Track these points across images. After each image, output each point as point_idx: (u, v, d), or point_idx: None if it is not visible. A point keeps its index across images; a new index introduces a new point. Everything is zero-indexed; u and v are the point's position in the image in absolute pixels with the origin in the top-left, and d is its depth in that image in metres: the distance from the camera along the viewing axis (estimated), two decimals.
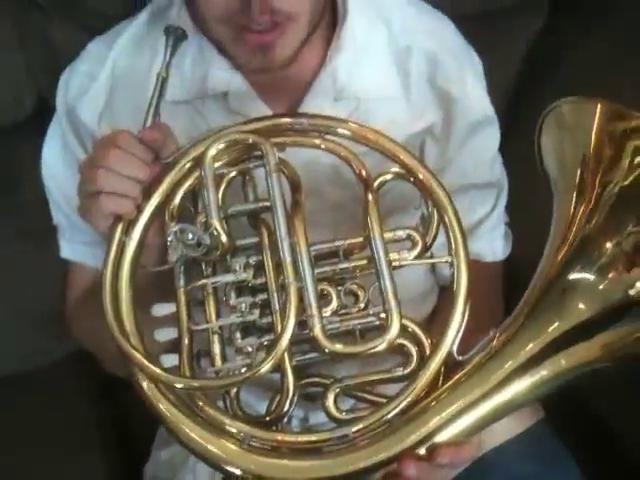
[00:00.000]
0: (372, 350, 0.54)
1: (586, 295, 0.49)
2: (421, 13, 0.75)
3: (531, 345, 0.50)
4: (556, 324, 0.50)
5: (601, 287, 0.49)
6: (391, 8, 0.73)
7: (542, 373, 0.50)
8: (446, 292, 0.80)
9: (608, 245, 0.50)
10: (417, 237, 0.60)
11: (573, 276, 0.50)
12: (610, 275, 0.49)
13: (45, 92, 0.84)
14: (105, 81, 0.73)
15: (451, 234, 0.58)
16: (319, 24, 0.68)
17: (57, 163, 0.78)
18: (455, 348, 0.54)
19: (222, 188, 0.60)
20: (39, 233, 0.83)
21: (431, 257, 0.60)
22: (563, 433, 0.73)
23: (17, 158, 0.86)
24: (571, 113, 0.56)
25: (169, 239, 0.58)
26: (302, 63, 0.69)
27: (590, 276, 0.50)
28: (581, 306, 0.49)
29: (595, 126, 0.54)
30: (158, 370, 0.54)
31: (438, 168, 0.74)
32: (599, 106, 0.54)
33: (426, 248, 0.60)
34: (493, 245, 0.81)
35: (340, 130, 0.61)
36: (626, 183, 0.51)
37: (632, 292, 0.48)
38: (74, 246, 0.80)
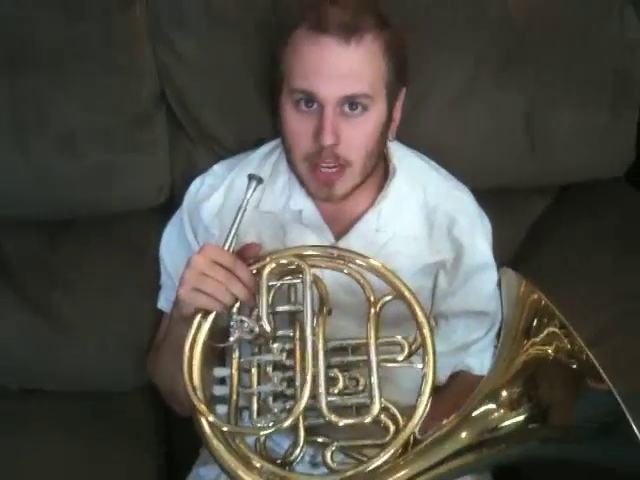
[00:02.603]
0: (359, 422, 0.78)
1: (472, 427, 0.75)
2: (448, 184, 1.02)
3: (447, 446, 0.76)
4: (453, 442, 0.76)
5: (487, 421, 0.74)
6: (427, 177, 1.01)
7: (459, 462, 0.75)
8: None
9: (504, 394, 0.74)
10: (405, 344, 0.84)
11: (475, 414, 0.76)
12: (495, 414, 0.74)
13: (176, 191, 1.11)
14: (222, 193, 1.00)
15: (426, 348, 0.81)
16: (370, 175, 0.95)
17: (172, 242, 1.06)
18: (417, 430, 0.78)
19: (272, 293, 0.84)
20: (149, 287, 1.09)
21: (410, 362, 0.83)
22: None
23: (147, 233, 1.11)
24: (513, 280, 0.80)
25: (232, 324, 0.84)
26: (358, 201, 0.98)
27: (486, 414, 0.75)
28: (464, 434, 0.75)
29: (523, 298, 0.77)
30: (213, 416, 0.79)
31: (446, 293, 0.99)
32: (525, 285, 0.77)
33: (410, 353, 0.84)
34: (482, 362, 1.01)
35: (358, 261, 0.86)
36: (526, 354, 0.74)
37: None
38: (170, 301, 1.03)
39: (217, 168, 1.05)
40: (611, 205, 1.21)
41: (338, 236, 0.98)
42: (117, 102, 1.04)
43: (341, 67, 0.87)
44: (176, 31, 1.04)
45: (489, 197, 1.05)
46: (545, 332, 0.73)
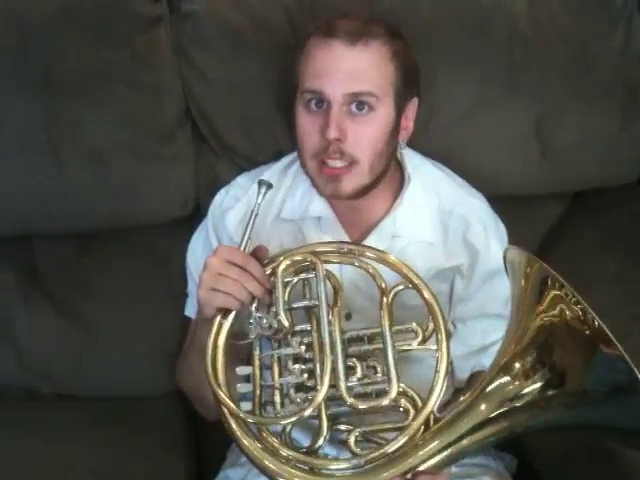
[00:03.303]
0: (379, 405, 0.81)
1: (492, 399, 0.77)
2: (463, 191, 1.05)
3: (466, 421, 0.78)
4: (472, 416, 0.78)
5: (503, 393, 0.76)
6: (442, 184, 1.04)
7: (480, 435, 0.77)
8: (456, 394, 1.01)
9: (517, 365, 0.76)
10: (419, 330, 0.86)
11: (488, 389, 0.78)
12: (511, 386, 0.76)
13: (201, 202, 1.16)
14: (245, 203, 1.03)
15: (439, 334, 0.83)
16: (381, 178, 0.98)
17: (198, 250, 1.10)
18: (436, 409, 0.80)
19: (288, 290, 0.88)
20: (176, 295, 1.13)
21: (425, 347, 0.85)
22: None
23: (173, 243, 1.16)
24: (515, 257, 0.82)
25: (251, 321, 0.87)
26: (374, 208, 1.01)
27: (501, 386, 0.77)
28: (483, 407, 0.77)
29: (526, 272, 0.80)
30: (238, 409, 0.82)
31: (463, 298, 1.02)
32: (527, 257, 0.80)
33: (425, 339, 0.86)
34: None
35: (367, 254, 0.89)
36: (536, 322, 0.76)
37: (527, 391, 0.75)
38: (197, 308, 1.05)
39: (240, 179, 1.10)
40: (624, 211, 1.24)
41: (356, 242, 1.01)
42: (144, 119, 1.10)
43: (347, 66, 0.92)
44: (199, 51, 1.10)
45: (504, 204, 1.08)
46: (551, 300, 0.75)
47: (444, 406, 0.81)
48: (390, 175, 1.01)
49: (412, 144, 1.08)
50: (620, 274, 1.14)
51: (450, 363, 0.83)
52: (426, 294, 0.85)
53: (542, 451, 1.08)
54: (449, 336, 0.84)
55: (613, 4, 1.15)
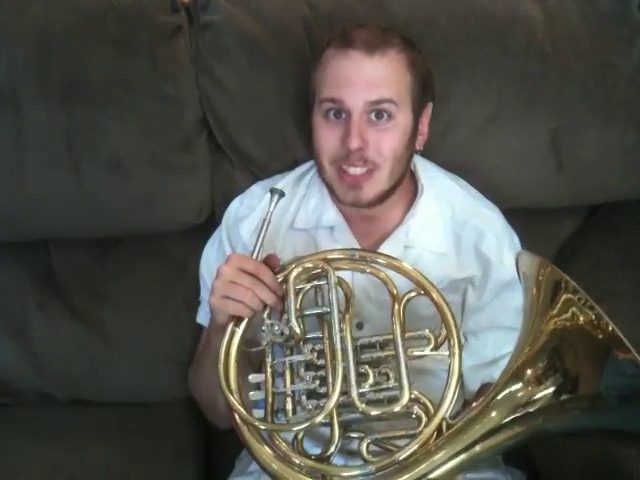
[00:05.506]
0: (391, 411, 0.80)
1: (504, 405, 0.76)
2: (477, 203, 1.05)
3: (479, 427, 0.77)
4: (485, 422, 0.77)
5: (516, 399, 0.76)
6: (456, 196, 1.04)
7: (493, 441, 0.76)
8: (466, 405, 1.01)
9: (529, 371, 0.76)
10: (432, 337, 0.86)
11: (500, 395, 0.77)
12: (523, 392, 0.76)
13: (216, 210, 1.17)
14: (259, 212, 1.03)
15: (451, 339, 0.83)
16: (398, 185, 0.98)
17: (211, 257, 1.11)
18: (448, 415, 0.79)
19: (300, 297, 0.88)
20: (191, 302, 1.15)
21: (437, 352, 0.85)
22: None
23: (188, 251, 1.18)
24: (528, 262, 0.82)
25: (264, 328, 0.87)
26: (387, 218, 1.01)
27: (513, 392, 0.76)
28: (495, 413, 0.76)
29: (538, 277, 0.79)
30: (250, 416, 0.82)
31: (475, 309, 1.01)
32: (540, 261, 0.79)
33: (437, 346, 0.85)
34: None
35: (379, 260, 0.89)
36: (548, 327, 0.75)
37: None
38: (209, 315, 1.01)
39: (255, 189, 1.11)
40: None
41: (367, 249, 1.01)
42: (162, 128, 1.11)
43: (366, 75, 0.93)
44: (217, 62, 1.12)
45: (519, 217, 1.09)
46: (564, 304, 0.75)
47: (454, 416, 0.80)
48: (404, 185, 1.01)
49: (429, 156, 1.09)
50: (635, 290, 1.13)
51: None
52: (437, 299, 0.85)
53: (551, 466, 1.06)
54: (461, 341, 0.83)
55: (631, 19, 1.15)
